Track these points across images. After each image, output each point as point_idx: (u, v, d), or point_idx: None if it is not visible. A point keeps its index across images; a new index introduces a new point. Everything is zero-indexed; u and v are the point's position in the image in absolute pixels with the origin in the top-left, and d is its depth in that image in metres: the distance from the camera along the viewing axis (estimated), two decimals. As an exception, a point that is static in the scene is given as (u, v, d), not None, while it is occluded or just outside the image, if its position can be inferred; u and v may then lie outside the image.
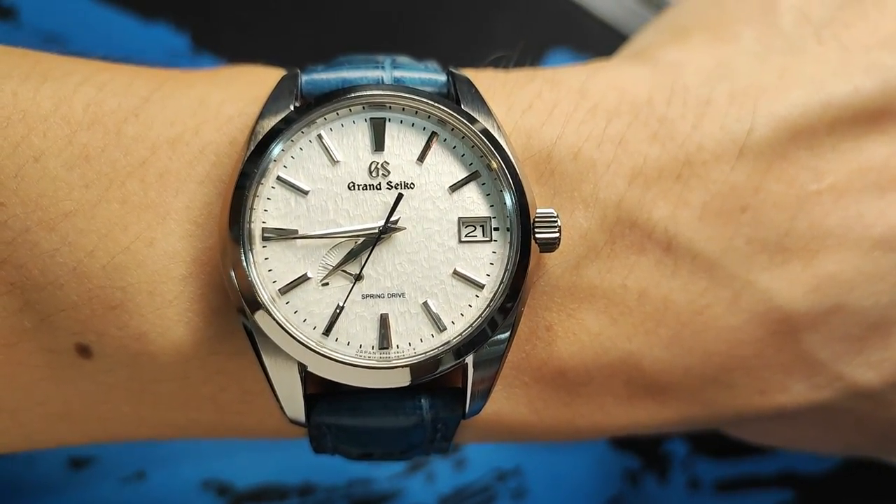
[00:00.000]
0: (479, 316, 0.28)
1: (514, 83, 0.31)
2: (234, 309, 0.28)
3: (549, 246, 0.28)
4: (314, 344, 0.27)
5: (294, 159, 0.28)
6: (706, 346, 0.30)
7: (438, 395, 0.29)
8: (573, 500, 0.43)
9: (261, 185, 0.28)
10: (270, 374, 0.28)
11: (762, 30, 0.33)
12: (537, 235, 0.28)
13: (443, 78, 0.30)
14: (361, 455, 0.30)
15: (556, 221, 0.28)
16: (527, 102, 0.30)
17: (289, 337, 0.27)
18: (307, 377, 0.28)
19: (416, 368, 0.27)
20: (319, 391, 0.29)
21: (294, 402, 0.28)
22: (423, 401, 0.28)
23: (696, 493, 0.44)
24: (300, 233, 0.28)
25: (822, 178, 0.31)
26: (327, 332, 0.28)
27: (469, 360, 0.28)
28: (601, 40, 0.54)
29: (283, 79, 0.29)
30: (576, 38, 0.53)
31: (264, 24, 0.50)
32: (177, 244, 0.28)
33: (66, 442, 0.32)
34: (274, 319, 0.27)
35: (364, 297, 0.28)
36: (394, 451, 0.30)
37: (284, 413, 0.28)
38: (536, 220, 0.28)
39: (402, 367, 0.27)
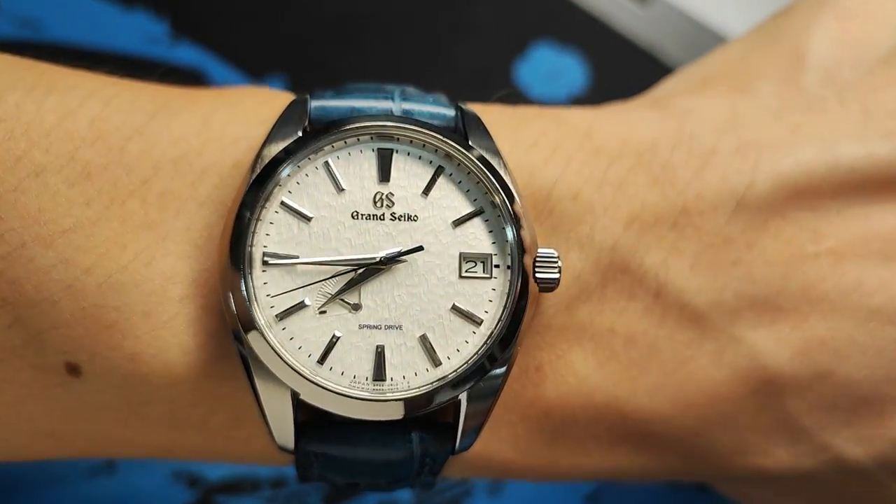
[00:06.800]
0: (476, 353, 0.28)
1: (521, 119, 0.31)
2: (228, 333, 0.28)
3: (549, 286, 0.28)
4: (308, 372, 0.27)
5: (299, 185, 0.28)
6: (687, 397, 0.30)
7: (429, 430, 0.29)
8: (551, 496, 0.43)
9: (264, 210, 0.28)
10: (262, 399, 0.28)
11: (782, 86, 0.32)
12: (538, 275, 0.28)
13: (451, 112, 0.30)
14: (347, 484, 0.30)
15: (556, 262, 0.28)
16: (532, 140, 0.30)
17: (282, 363, 0.27)
18: (299, 405, 0.28)
19: (410, 402, 0.28)
20: (310, 419, 0.29)
21: (284, 428, 0.28)
22: (413, 435, 0.28)
23: (678, 489, 0.44)
24: (301, 259, 0.28)
25: (821, 240, 0.30)
26: (322, 360, 0.28)
27: (463, 396, 0.28)
28: (585, 32, 0.53)
29: (291, 103, 0.29)
30: (560, 30, 0.53)
31: (244, 11, 0.50)
32: (175, 265, 0.28)
33: (54, 457, 0.31)
34: (269, 344, 0.27)
35: (361, 327, 0.28)
36: (380, 483, 0.30)
37: (273, 439, 0.28)
38: (537, 259, 0.28)
39: (395, 400, 0.27)
